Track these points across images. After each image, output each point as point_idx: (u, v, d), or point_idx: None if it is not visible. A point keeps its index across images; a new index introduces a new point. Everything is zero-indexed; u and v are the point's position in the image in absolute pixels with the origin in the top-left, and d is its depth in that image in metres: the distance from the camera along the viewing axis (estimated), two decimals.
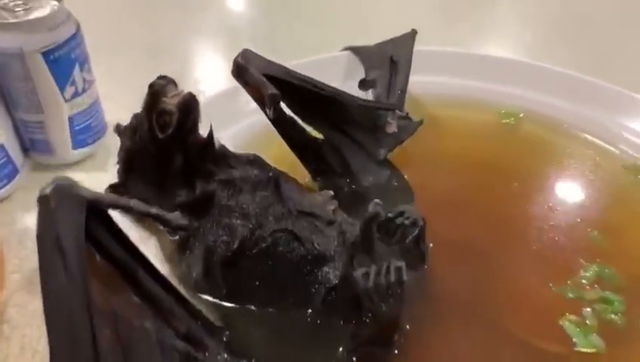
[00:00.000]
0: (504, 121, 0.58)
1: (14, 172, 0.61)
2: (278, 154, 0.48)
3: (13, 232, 0.59)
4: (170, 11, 0.97)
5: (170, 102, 0.38)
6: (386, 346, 0.37)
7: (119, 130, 0.41)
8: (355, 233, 0.39)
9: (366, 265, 0.37)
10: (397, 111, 0.49)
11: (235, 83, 0.51)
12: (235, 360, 0.35)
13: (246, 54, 0.43)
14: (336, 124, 0.46)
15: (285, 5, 0.97)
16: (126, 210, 0.31)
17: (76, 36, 0.60)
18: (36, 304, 0.53)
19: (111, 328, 0.30)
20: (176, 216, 0.32)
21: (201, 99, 0.45)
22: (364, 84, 0.54)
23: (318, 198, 0.41)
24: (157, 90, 0.38)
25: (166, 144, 0.38)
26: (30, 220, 0.60)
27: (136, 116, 0.41)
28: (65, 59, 0.59)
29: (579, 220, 0.48)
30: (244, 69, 0.43)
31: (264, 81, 0.42)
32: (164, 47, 0.86)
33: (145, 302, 0.33)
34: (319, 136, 0.47)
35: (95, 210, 0.30)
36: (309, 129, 0.47)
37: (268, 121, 0.46)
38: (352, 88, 0.55)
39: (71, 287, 0.28)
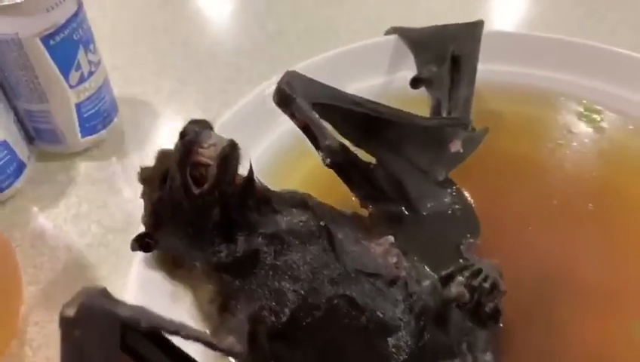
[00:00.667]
0: (587, 121, 0.48)
1: (21, 167, 0.54)
2: (313, 172, 0.41)
3: (26, 235, 0.53)
4: None
5: (207, 153, 0.30)
6: None
7: (144, 177, 0.34)
8: (423, 295, 0.33)
9: (439, 340, 0.31)
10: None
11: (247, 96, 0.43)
12: None
13: (290, 80, 0.35)
14: (391, 145, 0.38)
15: None
16: (170, 332, 0.24)
17: (78, 14, 0.51)
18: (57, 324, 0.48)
19: None
20: (231, 344, 0.26)
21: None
22: (417, 83, 0.45)
23: (378, 249, 0.34)
24: (190, 140, 0.30)
25: (202, 198, 0.31)
26: (43, 219, 0.54)
27: (162, 158, 0.33)
28: (67, 43, 0.51)
29: None
30: (289, 100, 0.35)
31: (318, 123, 0.34)
32: (172, 4, 0.76)
33: None
34: (370, 158, 0.40)
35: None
36: (356, 151, 0.39)
37: (297, 133, 0.38)
38: (400, 80, 0.47)
39: None
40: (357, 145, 0.38)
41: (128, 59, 0.68)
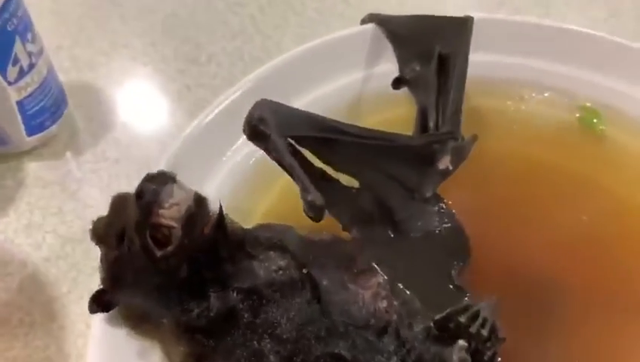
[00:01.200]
0: (581, 120, 0.43)
1: None
2: (288, 186, 0.36)
3: None
4: None
5: (169, 214, 0.25)
6: None
7: (98, 233, 0.29)
8: (416, 342, 0.29)
9: None
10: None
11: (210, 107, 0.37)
12: None
13: (261, 113, 0.30)
14: (375, 167, 0.34)
15: None
16: None
17: (10, 1, 0.44)
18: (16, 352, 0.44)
19: None
20: None
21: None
22: (399, 83, 0.40)
23: (366, 294, 0.30)
24: (149, 202, 0.25)
25: (166, 260, 0.27)
26: None
27: (118, 206, 0.28)
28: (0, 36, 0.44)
29: None
30: (263, 136, 0.30)
31: (297, 170, 0.29)
32: None
33: None
34: (350, 181, 0.35)
35: None
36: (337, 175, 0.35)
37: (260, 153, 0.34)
38: (379, 76, 0.42)
39: None
40: (338, 170, 0.34)
41: (74, 37, 0.60)
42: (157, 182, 0.26)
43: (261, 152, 0.36)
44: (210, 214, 0.29)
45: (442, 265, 0.35)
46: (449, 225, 0.36)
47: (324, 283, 0.30)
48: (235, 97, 0.39)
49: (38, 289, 0.45)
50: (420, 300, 0.33)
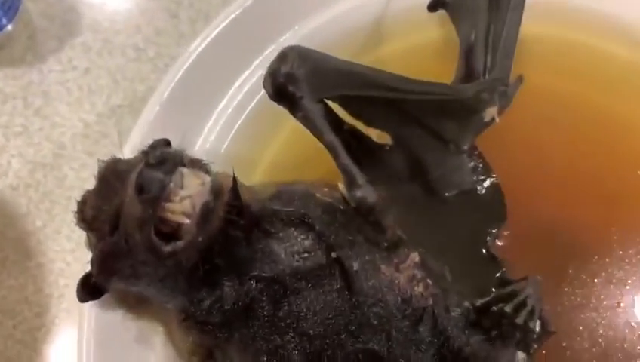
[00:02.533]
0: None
1: None
2: (293, 135, 0.31)
3: None
4: None
5: (180, 209, 0.20)
6: None
7: (85, 220, 0.23)
8: (455, 330, 0.26)
9: None
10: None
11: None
12: None
13: (291, 67, 0.23)
14: (412, 119, 0.28)
15: None
16: None
17: None
18: None
19: None
20: None
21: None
22: (437, 6, 0.32)
23: (402, 278, 0.26)
24: (154, 198, 0.19)
25: (174, 256, 0.22)
26: None
27: (108, 179, 0.23)
28: None
29: None
30: (292, 99, 0.23)
31: (342, 158, 0.23)
32: None
33: None
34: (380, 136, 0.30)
35: None
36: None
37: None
38: None
39: None
40: (370, 126, 0.28)
41: None
42: (163, 170, 0.20)
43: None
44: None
45: (476, 230, 0.31)
46: (486, 182, 0.31)
47: (355, 268, 0.25)
48: (234, 17, 0.31)
49: (7, 223, 0.40)
50: (450, 272, 0.29)
